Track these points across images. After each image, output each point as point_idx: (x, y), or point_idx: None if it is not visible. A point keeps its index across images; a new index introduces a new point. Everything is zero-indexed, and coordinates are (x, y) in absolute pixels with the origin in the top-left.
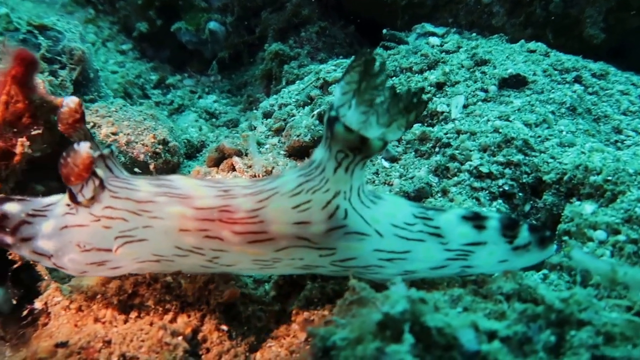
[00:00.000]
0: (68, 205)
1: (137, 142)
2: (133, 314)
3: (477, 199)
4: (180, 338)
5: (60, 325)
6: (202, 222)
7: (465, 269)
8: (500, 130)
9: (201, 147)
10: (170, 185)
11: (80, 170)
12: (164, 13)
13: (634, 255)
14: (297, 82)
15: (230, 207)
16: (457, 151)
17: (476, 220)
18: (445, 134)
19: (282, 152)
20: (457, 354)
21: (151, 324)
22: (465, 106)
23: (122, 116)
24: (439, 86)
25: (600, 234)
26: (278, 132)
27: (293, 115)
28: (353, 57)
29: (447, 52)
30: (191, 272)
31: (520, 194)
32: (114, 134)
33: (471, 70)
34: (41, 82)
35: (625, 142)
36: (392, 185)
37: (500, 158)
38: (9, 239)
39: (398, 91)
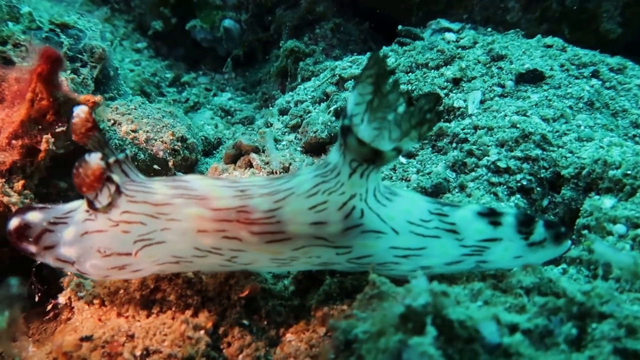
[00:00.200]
0: (87, 211)
1: (156, 140)
2: (155, 309)
3: (495, 194)
4: (202, 332)
5: (84, 319)
6: (220, 222)
7: (480, 264)
8: (518, 125)
9: (218, 144)
10: (186, 186)
11: (92, 181)
12: (178, 11)
13: None
14: (313, 78)
15: (248, 208)
16: (475, 146)
17: (492, 217)
18: (463, 129)
19: (298, 148)
20: (478, 347)
21: (173, 319)
22: (482, 101)
23: (141, 114)
24: (456, 82)
25: (620, 228)
26: (294, 128)
27: (309, 112)
28: (368, 54)
29: (463, 47)
30: (210, 272)
31: (538, 188)
32: (133, 131)
33: (488, 65)
34: (64, 79)
35: None
36: (409, 180)
37: (518, 153)
38: (33, 248)
39: (412, 105)
